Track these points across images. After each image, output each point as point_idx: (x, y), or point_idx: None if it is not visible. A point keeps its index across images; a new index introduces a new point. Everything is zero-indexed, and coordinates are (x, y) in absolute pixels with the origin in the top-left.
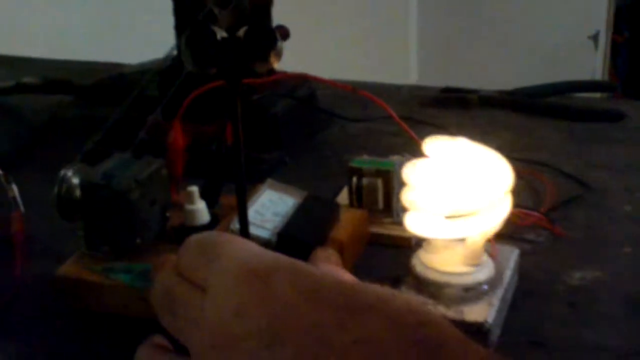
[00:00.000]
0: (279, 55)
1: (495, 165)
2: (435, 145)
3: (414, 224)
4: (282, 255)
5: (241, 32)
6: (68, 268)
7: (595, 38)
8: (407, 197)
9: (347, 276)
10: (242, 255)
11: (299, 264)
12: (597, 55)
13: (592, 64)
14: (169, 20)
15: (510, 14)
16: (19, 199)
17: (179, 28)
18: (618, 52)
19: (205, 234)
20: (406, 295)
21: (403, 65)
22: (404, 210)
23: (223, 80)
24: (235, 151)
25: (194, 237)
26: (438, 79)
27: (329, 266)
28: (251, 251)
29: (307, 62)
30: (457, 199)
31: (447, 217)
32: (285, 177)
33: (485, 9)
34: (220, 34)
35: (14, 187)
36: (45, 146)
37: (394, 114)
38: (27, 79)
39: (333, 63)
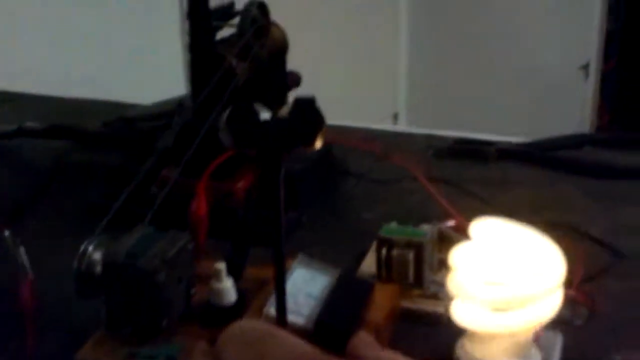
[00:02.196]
0: (323, 136)
1: (547, 254)
2: (483, 227)
3: (460, 315)
4: (332, 357)
5: (284, 111)
6: (88, 351)
7: (585, 68)
8: (453, 283)
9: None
10: (293, 358)
11: None
12: (588, 85)
13: (582, 94)
14: (172, 60)
15: (500, 46)
16: (27, 263)
17: (195, 80)
18: (605, 79)
19: (248, 326)
20: None
21: (391, 101)
22: (436, 288)
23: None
24: (276, 237)
25: (239, 329)
26: (427, 111)
27: (375, 352)
28: (301, 353)
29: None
30: (506, 291)
31: (495, 310)
32: (303, 239)
33: (476, 39)
34: (263, 114)
35: (22, 251)
36: (48, 196)
37: (427, 184)
38: (29, 124)
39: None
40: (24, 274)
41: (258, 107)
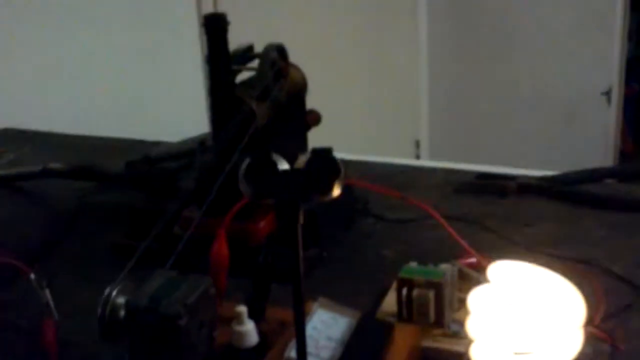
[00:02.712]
0: (341, 184)
1: (567, 297)
2: (501, 270)
3: (481, 358)
4: None
5: (301, 161)
6: None
7: (608, 94)
8: (473, 327)
9: None
10: None
11: None
12: (610, 111)
13: (606, 119)
14: (196, 98)
15: (522, 73)
16: (52, 305)
17: (215, 122)
18: (627, 104)
19: None
20: None
21: (413, 128)
22: (457, 328)
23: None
24: (295, 282)
25: None
26: (450, 138)
27: None
28: None
29: (320, 135)
30: (525, 334)
31: (516, 353)
32: (324, 275)
33: (498, 66)
34: (281, 164)
35: (47, 293)
36: (72, 235)
37: (445, 223)
38: (53, 165)
39: (343, 127)
40: (48, 316)
41: (276, 156)
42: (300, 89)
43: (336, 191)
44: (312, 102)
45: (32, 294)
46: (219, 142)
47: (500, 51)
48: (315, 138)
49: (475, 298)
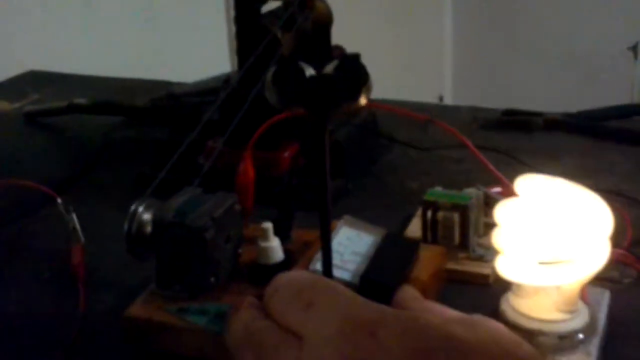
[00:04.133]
0: (369, 92)
1: (594, 207)
2: (528, 184)
3: (506, 269)
4: (383, 307)
5: (329, 68)
6: (138, 308)
7: (634, 49)
8: (498, 239)
9: (446, 310)
10: (344, 305)
11: (405, 316)
12: (637, 66)
13: (632, 74)
14: (217, 38)
15: (547, 28)
16: (79, 230)
17: (241, 52)
18: None
19: (295, 276)
20: (529, 347)
21: (436, 83)
22: (481, 252)
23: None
24: (321, 193)
25: (284, 278)
26: (473, 93)
27: (421, 304)
28: (349, 299)
29: None
30: (552, 244)
31: (541, 263)
32: (349, 206)
33: (521, 21)
34: (308, 71)
35: (74, 217)
36: (99, 170)
37: (473, 147)
38: (78, 100)
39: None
40: (76, 239)
41: (303, 65)
42: (325, 21)
43: (364, 99)
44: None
45: (59, 221)
46: (242, 71)
47: (523, 3)
48: None
49: (502, 210)
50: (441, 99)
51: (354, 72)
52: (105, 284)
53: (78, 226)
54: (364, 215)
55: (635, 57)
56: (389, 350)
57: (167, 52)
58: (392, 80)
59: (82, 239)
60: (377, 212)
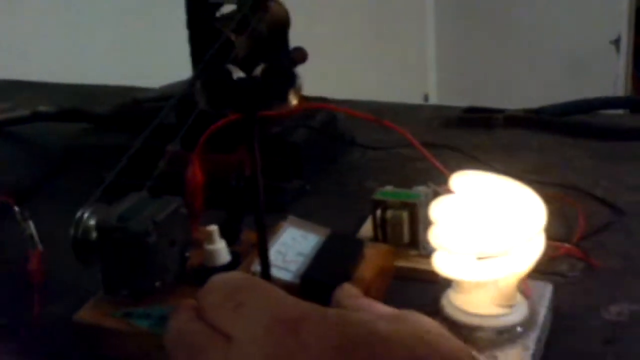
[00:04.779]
0: (298, 93)
1: (528, 201)
2: (462, 180)
3: (442, 264)
4: (312, 305)
5: (258, 70)
6: (85, 312)
7: (617, 42)
8: (434, 236)
9: (380, 307)
10: (271, 303)
11: (330, 313)
12: (620, 60)
13: (615, 69)
14: (181, 42)
15: (530, 24)
16: (36, 236)
17: (195, 56)
18: (638, 53)
19: (229, 277)
20: (456, 342)
21: (421, 82)
22: (432, 249)
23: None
24: (254, 192)
25: (217, 280)
26: (458, 91)
27: (359, 301)
28: (279, 299)
29: (325, 81)
30: (487, 239)
31: (478, 258)
32: (306, 207)
33: (504, 17)
34: (237, 73)
35: (31, 224)
36: (62, 176)
37: (420, 146)
38: (42, 108)
39: (350, 83)
40: (32, 246)
41: (232, 68)
42: (283, 24)
43: (294, 100)
44: (319, 53)
45: (18, 228)
46: (195, 75)
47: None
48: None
49: (437, 207)
50: (426, 98)
51: (282, 74)
52: (63, 290)
53: (35, 233)
54: (321, 215)
55: (618, 50)
56: (308, 348)
57: (131, 57)
58: (376, 80)
59: (40, 245)
60: (334, 212)
